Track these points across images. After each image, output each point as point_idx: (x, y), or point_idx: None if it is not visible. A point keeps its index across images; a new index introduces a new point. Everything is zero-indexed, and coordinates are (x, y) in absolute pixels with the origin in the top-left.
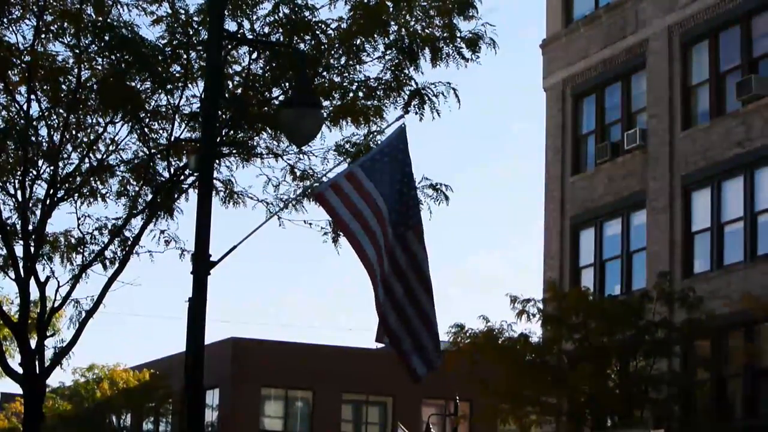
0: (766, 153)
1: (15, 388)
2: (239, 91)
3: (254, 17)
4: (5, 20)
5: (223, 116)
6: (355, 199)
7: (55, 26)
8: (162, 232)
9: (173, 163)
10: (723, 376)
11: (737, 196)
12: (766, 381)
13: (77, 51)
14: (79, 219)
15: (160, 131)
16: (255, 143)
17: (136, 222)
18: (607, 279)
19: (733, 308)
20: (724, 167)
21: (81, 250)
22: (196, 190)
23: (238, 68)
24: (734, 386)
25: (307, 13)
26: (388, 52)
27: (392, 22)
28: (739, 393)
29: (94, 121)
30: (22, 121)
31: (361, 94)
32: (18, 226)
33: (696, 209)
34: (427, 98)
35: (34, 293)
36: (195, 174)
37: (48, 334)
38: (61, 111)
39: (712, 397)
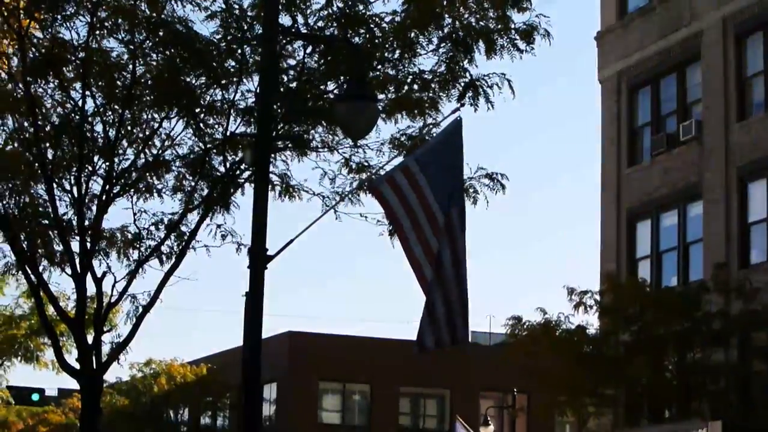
0: None
1: (72, 384)
2: (294, 85)
3: (308, 11)
4: (59, 17)
5: (279, 110)
6: (408, 194)
7: (110, 22)
8: (218, 226)
9: (229, 157)
10: None
11: None
12: None
13: (131, 47)
14: (135, 214)
15: (216, 126)
16: (310, 137)
17: (192, 217)
18: (663, 270)
19: None
20: None
21: (137, 246)
22: (253, 185)
23: (292, 62)
24: None
25: (360, 7)
26: (442, 45)
27: (446, 15)
28: None
29: (149, 116)
30: (77, 117)
31: (415, 86)
32: (74, 222)
33: (752, 200)
34: (481, 90)
35: (91, 289)
36: (251, 168)
37: (105, 329)
38: (116, 107)
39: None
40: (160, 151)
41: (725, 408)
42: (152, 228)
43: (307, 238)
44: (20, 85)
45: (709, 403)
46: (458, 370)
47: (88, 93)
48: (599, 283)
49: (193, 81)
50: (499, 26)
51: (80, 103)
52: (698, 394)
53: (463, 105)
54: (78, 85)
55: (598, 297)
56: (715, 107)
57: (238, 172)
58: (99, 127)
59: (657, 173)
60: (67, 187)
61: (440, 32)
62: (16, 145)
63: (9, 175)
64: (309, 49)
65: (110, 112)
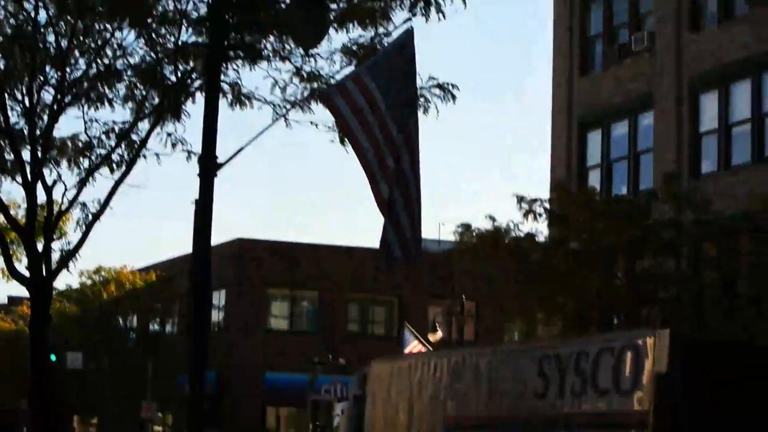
0: None
1: (22, 291)
2: None
3: None
4: None
5: (230, 20)
6: (360, 102)
7: None
8: (169, 134)
9: (180, 67)
10: (731, 277)
11: (745, 97)
12: None
13: None
14: (86, 123)
15: (168, 36)
16: (262, 46)
17: (143, 125)
18: (614, 180)
19: (741, 209)
20: (732, 69)
21: (88, 154)
22: (204, 93)
23: None
24: (740, 286)
25: None
26: None
27: None
28: (747, 293)
29: (102, 27)
30: (29, 28)
31: None
32: (25, 132)
33: (703, 110)
34: (432, 0)
35: (42, 197)
36: (202, 77)
37: (55, 237)
38: (68, 17)
39: (720, 297)
40: (112, 61)
41: (676, 317)
42: (103, 137)
43: (257, 147)
44: None
45: (660, 311)
46: (407, 278)
47: (41, 3)
48: (549, 192)
49: None
50: None
51: (33, 14)
52: (648, 302)
53: (414, 15)
54: None
55: (547, 205)
56: (668, 18)
57: (189, 81)
58: (51, 38)
59: (609, 83)
60: (19, 97)
61: None
62: None
63: None
64: None
65: (63, 23)
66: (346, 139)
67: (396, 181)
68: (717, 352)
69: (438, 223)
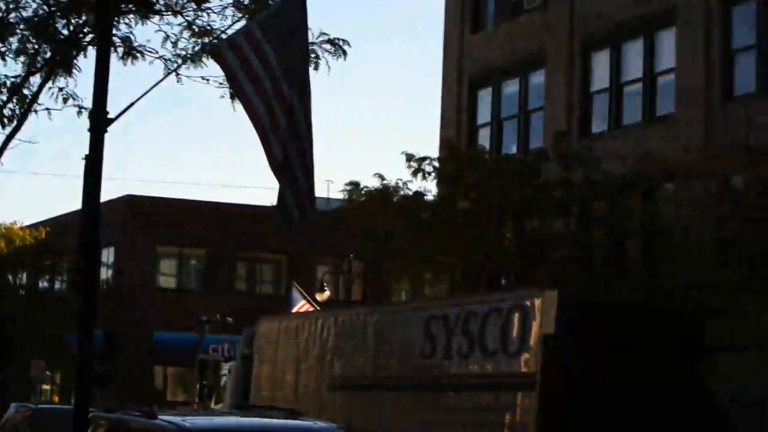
0: (666, 14)
1: None
2: None
3: None
4: None
5: None
6: (251, 57)
7: None
8: (60, 89)
9: (73, 20)
10: (619, 237)
11: (636, 57)
12: (662, 241)
13: None
14: None
15: None
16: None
17: (35, 80)
18: (504, 138)
19: (631, 169)
20: (623, 28)
21: None
22: (95, 47)
23: None
24: (631, 246)
25: None
26: None
27: None
28: (636, 253)
29: None
30: None
31: None
32: None
33: (595, 69)
34: None
35: None
36: (94, 31)
37: None
38: None
39: (608, 257)
40: (5, 14)
41: (565, 277)
42: None
43: (149, 102)
44: None
45: (549, 272)
46: (295, 236)
47: None
48: (438, 150)
49: None
50: None
51: None
52: (537, 262)
53: None
54: None
55: (437, 164)
56: None
57: (81, 35)
58: None
59: (500, 41)
60: None
61: None
62: None
63: None
64: None
65: None
66: (236, 96)
67: (290, 138)
68: (606, 313)
69: (326, 182)
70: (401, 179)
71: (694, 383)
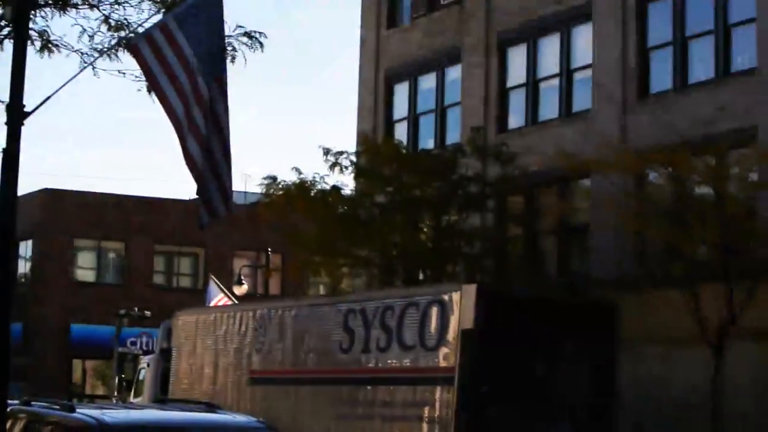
0: (582, 10)
1: None
2: None
3: None
4: None
5: None
6: (167, 51)
7: None
8: None
9: None
10: (535, 232)
11: (553, 52)
12: (578, 237)
13: None
14: None
15: None
16: None
17: None
18: (420, 133)
19: (547, 164)
20: (540, 24)
21: None
22: (11, 41)
23: None
24: (546, 242)
25: None
26: None
27: None
28: (552, 249)
29: None
30: None
31: None
32: None
33: (511, 65)
34: None
35: None
36: (10, 24)
37: None
38: None
39: (524, 252)
40: None
41: (480, 271)
42: None
43: (66, 95)
44: None
45: (464, 266)
46: (213, 229)
47: None
48: (356, 144)
49: None
50: None
51: None
52: (453, 256)
53: None
54: None
55: (354, 158)
56: None
57: None
58: None
59: (417, 36)
60: None
61: None
62: None
63: None
64: None
65: None
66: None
67: (208, 134)
68: (522, 307)
69: (244, 175)
70: (318, 173)
71: (604, 374)
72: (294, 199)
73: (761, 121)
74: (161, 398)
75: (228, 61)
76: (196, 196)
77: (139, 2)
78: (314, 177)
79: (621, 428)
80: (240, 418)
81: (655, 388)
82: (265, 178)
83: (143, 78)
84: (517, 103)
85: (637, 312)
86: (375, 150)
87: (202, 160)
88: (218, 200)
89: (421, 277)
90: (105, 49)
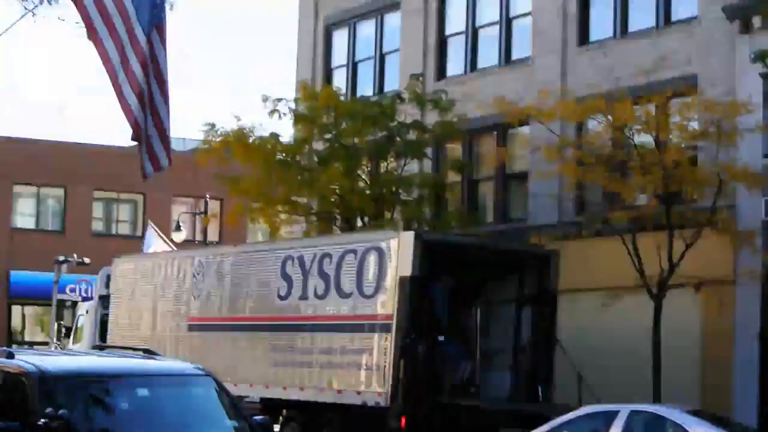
0: None
1: None
2: None
3: None
4: None
5: None
6: (108, 4)
7: None
8: None
9: None
10: (474, 179)
11: (493, 0)
12: (516, 184)
13: None
14: None
15: None
16: None
17: None
18: (359, 80)
19: (486, 112)
20: None
21: None
22: None
23: None
24: (485, 189)
25: None
26: None
27: None
28: (490, 196)
29: None
30: None
31: None
32: None
33: (450, 12)
34: None
35: None
36: None
37: None
38: None
39: (463, 199)
40: None
41: (418, 218)
42: None
43: (6, 40)
44: None
45: (402, 212)
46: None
47: None
48: (295, 92)
49: None
50: None
51: None
52: (392, 204)
53: None
54: None
55: (293, 105)
56: None
57: None
58: None
59: None
60: None
61: None
62: None
63: None
64: None
65: None
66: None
67: (148, 84)
68: (460, 254)
69: (184, 122)
70: (257, 120)
71: (543, 321)
72: (232, 146)
73: (702, 70)
74: (100, 345)
75: (168, 8)
76: (134, 143)
77: None
78: (253, 124)
79: (560, 374)
80: (178, 365)
81: (595, 335)
82: (204, 125)
83: (83, 24)
84: (456, 50)
85: (577, 260)
86: (313, 97)
87: (139, 109)
88: (161, 151)
89: (359, 224)
90: None
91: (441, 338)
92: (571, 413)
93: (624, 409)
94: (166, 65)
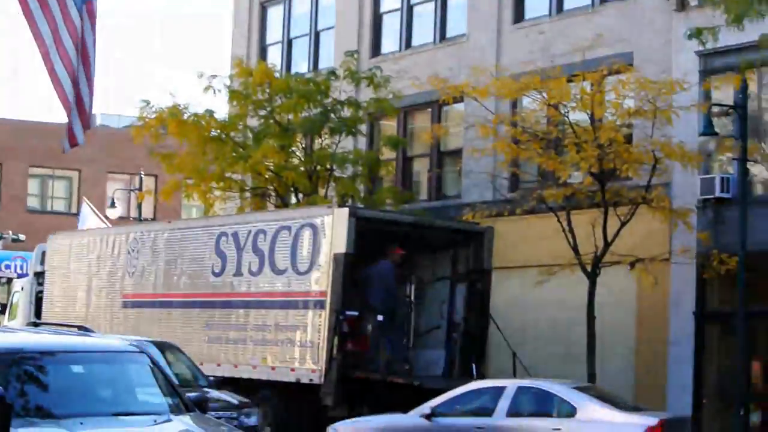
0: None
1: None
2: None
3: None
4: None
5: None
6: None
7: None
8: None
9: None
10: (409, 156)
11: None
12: (450, 161)
13: None
14: None
15: None
16: None
17: None
18: (294, 57)
19: (420, 89)
20: None
21: None
22: None
23: None
24: (419, 166)
25: None
26: None
27: None
28: (425, 173)
29: None
30: None
31: None
32: None
33: None
34: None
35: None
36: None
37: None
38: None
39: (397, 176)
40: None
41: (353, 195)
42: None
43: None
44: None
45: (337, 189)
46: (87, 152)
47: None
48: (230, 68)
49: None
50: None
51: None
52: (326, 180)
53: None
54: None
55: (227, 81)
56: None
57: None
58: None
59: None
60: None
61: None
62: None
63: None
64: None
65: None
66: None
67: (77, 63)
68: (395, 230)
69: (117, 99)
70: (192, 97)
71: (477, 297)
72: (167, 123)
73: (638, 48)
74: (35, 322)
75: None
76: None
77: None
78: (188, 100)
79: (494, 350)
80: (113, 342)
81: (529, 312)
82: (140, 101)
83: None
84: (391, 27)
85: (512, 237)
86: (248, 74)
87: (70, 87)
88: (79, 129)
89: (293, 200)
90: None
91: (380, 318)
92: (461, 388)
93: (511, 385)
94: (93, 42)
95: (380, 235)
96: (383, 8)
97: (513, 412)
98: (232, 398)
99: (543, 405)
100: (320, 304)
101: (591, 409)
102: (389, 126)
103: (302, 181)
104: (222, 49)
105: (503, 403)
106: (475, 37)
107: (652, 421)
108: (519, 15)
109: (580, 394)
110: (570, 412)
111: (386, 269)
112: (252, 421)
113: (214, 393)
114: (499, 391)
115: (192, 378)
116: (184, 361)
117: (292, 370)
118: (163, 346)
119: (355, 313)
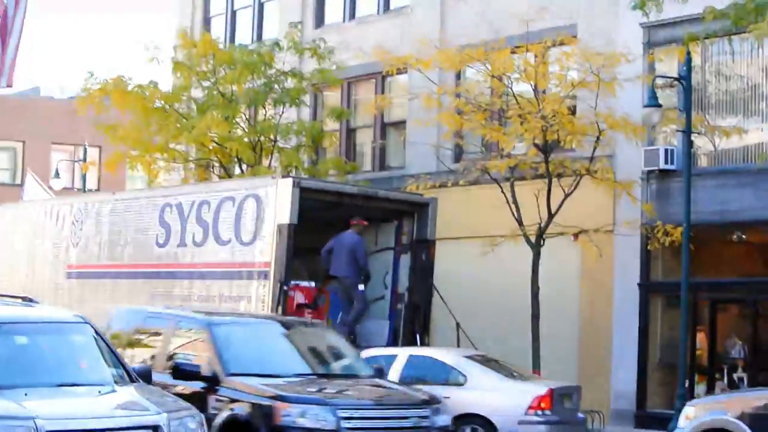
0: None
1: None
2: None
3: None
4: None
5: None
6: None
7: None
8: None
9: None
10: (352, 127)
11: None
12: (394, 133)
13: None
14: None
15: None
16: None
17: None
18: (238, 28)
19: (364, 60)
20: None
21: None
22: None
23: None
24: (363, 137)
25: None
26: None
27: None
28: (368, 144)
29: None
30: None
31: None
32: None
33: None
34: None
35: None
36: None
37: None
38: None
39: (341, 147)
40: None
41: (296, 166)
42: None
43: None
44: None
45: (281, 160)
46: (30, 123)
47: None
48: (174, 40)
49: None
50: None
51: None
52: (270, 151)
53: None
54: None
55: (171, 53)
56: None
57: None
58: None
59: None
60: None
61: None
62: None
63: None
64: None
65: None
66: None
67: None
68: (339, 201)
69: (63, 69)
70: (137, 68)
71: (421, 269)
72: (111, 94)
73: (582, 20)
74: None
75: None
76: (10, 89)
77: None
78: (132, 72)
79: (439, 322)
80: (57, 313)
81: (473, 283)
82: (85, 73)
83: None
84: None
85: (456, 208)
86: (192, 45)
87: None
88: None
89: (237, 171)
90: None
91: (361, 287)
92: None
93: (402, 353)
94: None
95: (326, 206)
96: None
97: (403, 380)
98: None
99: (433, 373)
100: (264, 275)
101: (481, 378)
102: (333, 97)
103: (246, 152)
104: (167, 21)
105: (394, 373)
106: (419, 8)
107: (541, 389)
108: None
109: (472, 363)
110: (460, 381)
111: (356, 240)
112: None
113: None
114: (391, 359)
115: None
116: None
117: None
118: None
119: (312, 284)
